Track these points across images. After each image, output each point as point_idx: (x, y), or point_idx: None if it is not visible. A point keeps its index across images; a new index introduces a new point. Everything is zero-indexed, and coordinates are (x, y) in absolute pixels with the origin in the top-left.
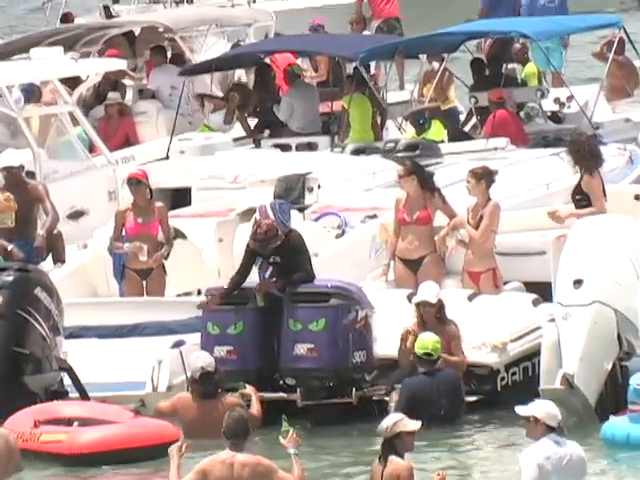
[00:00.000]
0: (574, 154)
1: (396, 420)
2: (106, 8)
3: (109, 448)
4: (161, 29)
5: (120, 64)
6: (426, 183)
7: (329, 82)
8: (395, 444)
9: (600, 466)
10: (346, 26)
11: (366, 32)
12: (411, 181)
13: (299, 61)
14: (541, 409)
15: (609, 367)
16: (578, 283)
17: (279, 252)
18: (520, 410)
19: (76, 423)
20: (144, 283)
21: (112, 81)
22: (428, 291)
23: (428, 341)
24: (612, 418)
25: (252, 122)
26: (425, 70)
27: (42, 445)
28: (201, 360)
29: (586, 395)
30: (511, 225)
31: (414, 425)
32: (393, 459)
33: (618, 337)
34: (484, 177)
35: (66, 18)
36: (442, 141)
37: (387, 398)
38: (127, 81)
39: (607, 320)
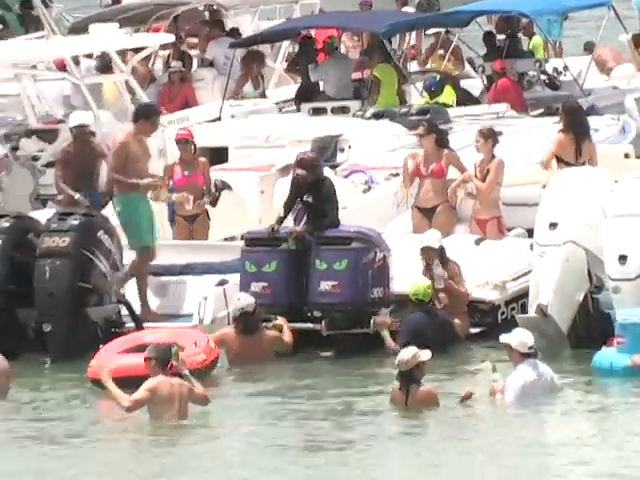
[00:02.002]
0: (567, 119)
1: (414, 353)
2: None
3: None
4: (216, 7)
5: (168, 38)
6: (442, 141)
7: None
8: (414, 374)
9: (588, 388)
10: (392, 3)
11: (408, 8)
12: (430, 139)
13: (345, 33)
14: (514, 338)
15: (580, 299)
16: (553, 226)
17: (313, 192)
18: (502, 338)
19: None
20: (191, 228)
21: (179, 51)
22: (431, 238)
23: (419, 287)
24: (603, 349)
25: (294, 88)
26: (430, 43)
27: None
28: (242, 301)
29: (558, 323)
30: (515, 179)
31: (427, 355)
32: (416, 386)
33: (589, 273)
34: (491, 137)
35: None
36: (451, 105)
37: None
38: (192, 51)
39: (578, 258)
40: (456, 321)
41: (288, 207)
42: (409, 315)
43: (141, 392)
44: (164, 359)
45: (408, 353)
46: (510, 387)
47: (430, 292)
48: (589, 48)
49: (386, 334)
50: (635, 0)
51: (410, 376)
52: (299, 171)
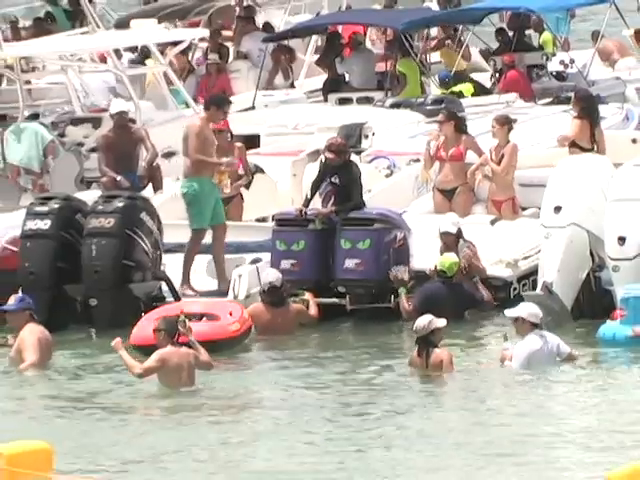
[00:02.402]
0: (582, 106)
1: (430, 319)
2: None
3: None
4: (249, 3)
5: (203, 32)
6: (460, 127)
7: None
8: (431, 339)
9: (596, 357)
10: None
11: (431, 4)
12: (449, 125)
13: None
14: (525, 310)
15: (583, 277)
16: (558, 209)
17: (340, 174)
18: (508, 312)
19: (204, 318)
20: (226, 209)
21: (217, 44)
22: (448, 223)
23: (446, 261)
24: (607, 322)
25: (322, 79)
26: (438, 37)
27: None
28: (270, 276)
29: (562, 300)
30: (529, 162)
31: (443, 322)
32: (433, 350)
33: (591, 253)
34: (506, 123)
35: None
36: (465, 96)
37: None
38: (228, 44)
39: (581, 239)
40: (484, 293)
41: (315, 188)
42: (428, 283)
43: (151, 361)
44: (172, 330)
45: (425, 320)
46: (517, 355)
47: (455, 269)
48: (596, 37)
49: (402, 291)
50: None
51: (427, 341)
52: (328, 154)
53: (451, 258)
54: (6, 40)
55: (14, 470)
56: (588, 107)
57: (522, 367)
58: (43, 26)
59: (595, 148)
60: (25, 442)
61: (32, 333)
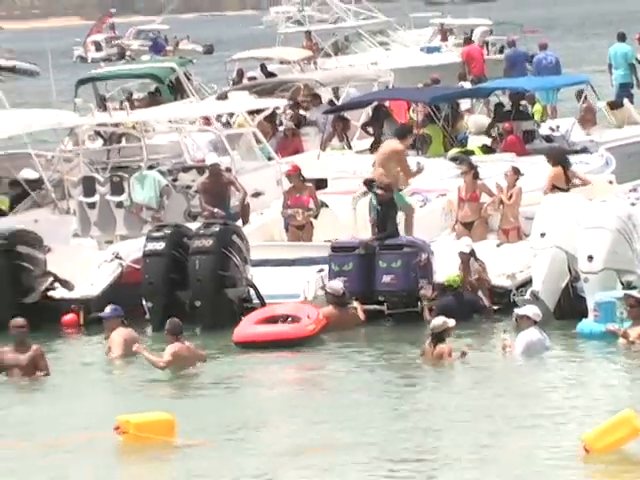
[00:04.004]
0: (553, 159)
1: (444, 320)
2: (262, 67)
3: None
4: (315, 82)
5: (282, 102)
6: (476, 175)
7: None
8: (442, 335)
9: (576, 347)
10: (455, 79)
11: (465, 83)
12: (469, 174)
13: None
14: (531, 311)
15: (562, 286)
16: (543, 235)
17: (383, 204)
18: (519, 310)
19: (289, 319)
20: (300, 233)
21: (296, 114)
22: (463, 245)
23: (450, 277)
24: (583, 320)
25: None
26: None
27: (270, 334)
28: (335, 285)
29: (547, 304)
30: (531, 201)
31: (453, 322)
32: (439, 344)
33: (568, 268)
34: (517, 173)
35: (240, 72)
36: (474, 153)
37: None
38: (303, 112)
39: (560, 257)
40: (485, 300)
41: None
42: (443, 298)
43: (168, 355)
44: (176, 331)
45: (439, 320)
46: (519, 344)
47: (458, 281)
48: (579, 96)
49: (425, 304)
50: (615, 76)
51: (439, 337)
52: (378, 191)
53: (452, 274)
54: (123, 109)
55: (140, 435)
56: (558, 158)
57: (522, 353)
58: (153, 98)
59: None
60: (151, 413)
61: (119, 335)
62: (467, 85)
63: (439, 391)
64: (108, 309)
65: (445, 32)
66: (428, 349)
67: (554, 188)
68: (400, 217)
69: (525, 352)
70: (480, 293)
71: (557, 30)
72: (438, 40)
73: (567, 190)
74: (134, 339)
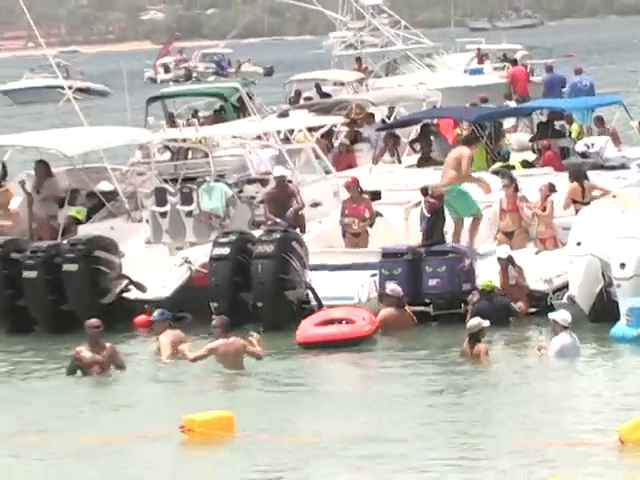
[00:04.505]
0: (571, 175)
1: (479, 321)
2: (318, 87)
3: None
4: (368, 102)
5: (338, 120)
6: (517, 188)
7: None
8: (478, 335)
9: (609, 349)
10: (501, 98)
11: (510, 102)
12: (510, 186)
13: None
14: (560, 316)
15: (597, 291)
16: (579, 244)
17: (432, 212)
18: (550, 315)
19: (343, 321)
20: (356, 241)
21: (353, 131)
22: (502, 251)
23: (484, 282)
24: (617, 324)
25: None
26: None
27: (331, 335)
28: (391, 286)
29: (582, 307)
30: (566, 212)
31: (487, 323)
32: (479, 344)
33: (602, 274)
34: (553, 189)
35: (297, 93)
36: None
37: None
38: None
39: (595, 264)
40: (520, 304)
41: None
42: (479, 302)
43: (203, 350)
44: (225, 327)
45: (475, 320)
46: (553, 347)
47: (492, 285)
48: (599, 123)
49: (470, 308)
50: None
51: (475, 337)
52: (430, 199)
53: (486, 280)
54: (189, 125)
55: (200, 431)
56: (574, 175)
57: (555, 355)
58: (218, 116)
59: (588, 201)
60: (212, 411)
61: (167, 337)
62: (512, 104)
63: (480, 388)
64: (156, 313)
65: (481, 56)
66: (467, 349)
67: (573, 202)
68: (467, 222)
69: (558, 354)
70: (518, 297)
71: (594, 54)
72: (475, 63)
73: (586, 204)
74: (181, 340)
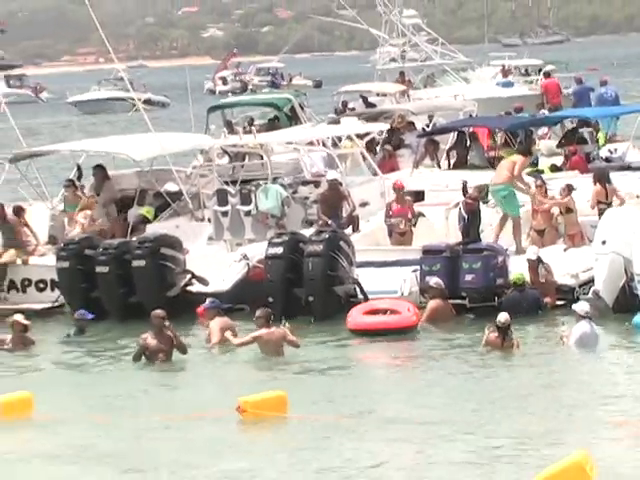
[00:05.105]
0: (595, 177)
1: (507, 316)
2: (364, 98)
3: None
4: (409, 111)
5: (384, 126)
6: (547, 191)
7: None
8: (507, 329)
9: (629, 339)
10: (534, 108)
11: (543, 111)
12: (541, 189)
13: None
14: (580, 307)
15: (620, 285)
16: (604, 242)
17: (469, 213)
18: (573, 306)
19: (388, 312)
20: (401, 239)
21: (397, 138)
22: (530, 252)
23: (516, 275)
24: (638, 314)
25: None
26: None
27: (380, 323)
28: (434, 280)
29: (607, 301)
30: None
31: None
32: (508, 336)
33: (625, 270)
34: (571, 189)
35: (344, 103)
36: (543, 171)
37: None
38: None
39: (618, 262)
40: (547, 299)
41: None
42: (511, 294)
43: (248, 337)
44: (267, 317)
45: (504, 315)
46: (573, 335)
47: (523, 279)
48: (612, 139)
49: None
50: None
51: (504, 330)
52: (468, 200)
53: (518, 273)
54: (248, 132)
55: (257, 412)
56: (598, 177)
57: (575, 343)
58: (272, 124)
59: (610, 202)
60: (266, 392)
61: (217, 323)
62: (546, 113)
63: (513, 373)
64: (207, 301)
65: (506, 71)
66: (494, 339)
67: (598, 203)
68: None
69: (578, 342)
70: (546, 292)
71: (617, 67)
72: (500, 77)
73: (609, 204)
74: (229, 326)
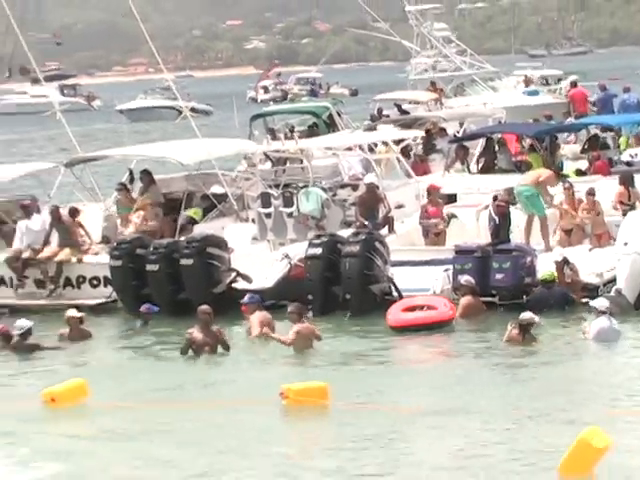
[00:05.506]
0: (620, 179)
1: (530, 315)
2: (399, 106)
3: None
4: (441, 118)
5: (419, 133)
6: (574, 193)
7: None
8: (528, 327)
9: None
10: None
11: (570, 119)
12: (569, 190)
13: None
14: (598, 303)
15: None
16: (625, 244)
17: (499, 215)
18: (590, 303)
19: (425, 307)
20: (437, 239)
21: (431, 143)
22: (556, 254)
23: (545, 274)
24: None
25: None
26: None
27: (420, 319)
28: (466, 277)
29: (628, 298)
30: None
31: (537, 318)
32: (528, 333)
33: None
34: (593, 193)
35: (379, 110)
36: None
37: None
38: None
39: (639, 262)
40: (574, 295)
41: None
42: (538, 290)
43: (293, 333)
44: (300, 312)
45: (527, 314)
46: (592, 329)
47: (553, 276)
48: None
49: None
50: None
51: (526, 328)
52: (499, 203)
53: (548, 271)
54: (288, 139)
55: (299, 399)
56: (622, 180)
57: (594, 338)
58: (312, 131)
59: (633, 203)
60: (308, 382)
61: (256, 317)
62: (573, 121)
63: (540, 365)
64: (246, 297)
65: (527, 80)
66: (515, 336)
67: (621, 204)
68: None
69: (596, 337)
70: (572, 290)
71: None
72: (523, 86)
73: (632, 205)
74: (269, 320)
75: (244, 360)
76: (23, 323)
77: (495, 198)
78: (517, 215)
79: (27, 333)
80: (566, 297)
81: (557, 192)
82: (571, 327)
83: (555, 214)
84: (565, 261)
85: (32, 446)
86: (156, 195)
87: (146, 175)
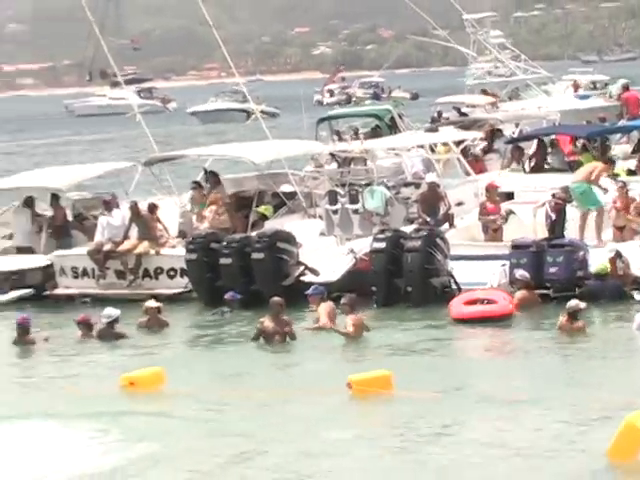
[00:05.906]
0: None
1: (576, 302)
2: (458, 109)
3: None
4: (498, 120)
5: (476, 135)
6: (627, 192)
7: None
8: (575, 314)
9: None
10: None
11: (623, 121)
12: (622, 190)
13: None
14: (638, 296)
15: None
16: None
17: (556, 212)
18: (635, 296)
19: (485, 301)
20: (495, 235)
21: (490, 144)
22: (609, 248)
23: (599, 267)
24: None
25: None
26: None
27: (482, 312)
28: (520, 272)
29: None
30: None
31: (584, 305)
32: (576, 320)
33: None
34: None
35: (439, 113)
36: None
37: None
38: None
39: None
40: (625, 288)
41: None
42: (592, 282)
43: (351, 327)
44: (353, 304)
45: (573, 302)
46: (635, 321)
47: (605, 269)
48: None
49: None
50: None
51: (573, 315)
52: (557, 201)
53: (600, 265)
54: (353, 140)
55: (362, 389)
56: None
57: (636, 328)
58: (375, 132)
59: None
60: (373, 371)
61: (323, 308)
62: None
63: (592, 354)
64: (311, 289)
65: (576, 85)
66: (564, 323)
67: None
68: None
69: (638, 327)
70: (625, 283)
71: None
72: (571, 91)
73: None
74: (333, 310)
75: (309, 349)
76: (111, 312)
77: (553, 196)
78: (572, 212)
79: (114, 321)
80: (619, 289)
81: (610, 189)
82: (623, 318)
83: (609, 212)
84: (618, 255)
85: (122, 427)
86: (222, 194)
87: (212, 176)
